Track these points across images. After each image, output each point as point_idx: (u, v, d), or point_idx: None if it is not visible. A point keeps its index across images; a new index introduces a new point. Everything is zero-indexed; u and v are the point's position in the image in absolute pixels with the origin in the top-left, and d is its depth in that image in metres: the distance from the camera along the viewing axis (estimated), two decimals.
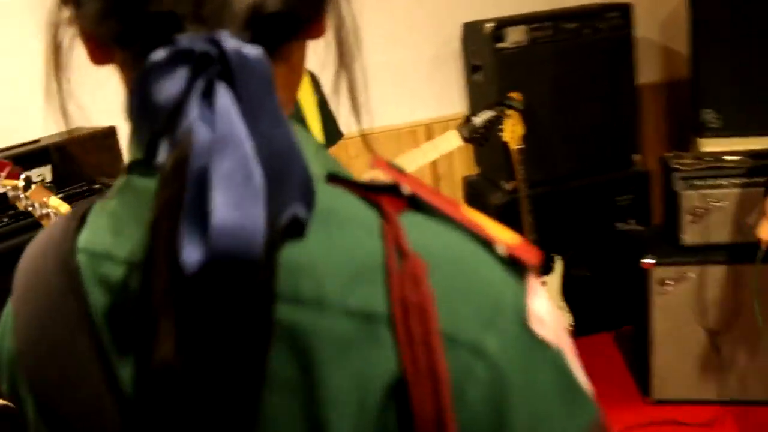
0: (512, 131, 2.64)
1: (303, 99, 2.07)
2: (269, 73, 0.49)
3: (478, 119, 2.26)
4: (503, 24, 2.85)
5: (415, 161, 2.17)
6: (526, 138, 2.65)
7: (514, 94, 2.62)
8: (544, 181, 2.96)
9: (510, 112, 2.39)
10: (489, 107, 2.32)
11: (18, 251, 1.83)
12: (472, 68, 3.13)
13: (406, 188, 0.58)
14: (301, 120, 2.07)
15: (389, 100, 3.32)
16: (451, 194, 3.45)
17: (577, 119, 2.96)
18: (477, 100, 3.22)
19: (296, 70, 0.62)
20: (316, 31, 0.61)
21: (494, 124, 2.30)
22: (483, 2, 3.23)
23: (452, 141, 2.20)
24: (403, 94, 3.33)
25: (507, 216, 2.89)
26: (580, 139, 2.99)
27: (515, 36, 2.85)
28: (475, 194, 3.24)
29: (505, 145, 2.67)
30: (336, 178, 0.60)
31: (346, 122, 3.26)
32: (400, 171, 0.61)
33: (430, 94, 3.37)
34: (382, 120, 3.33)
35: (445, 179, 3.45)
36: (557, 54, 2.90)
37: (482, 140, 2.27)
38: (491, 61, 2.87)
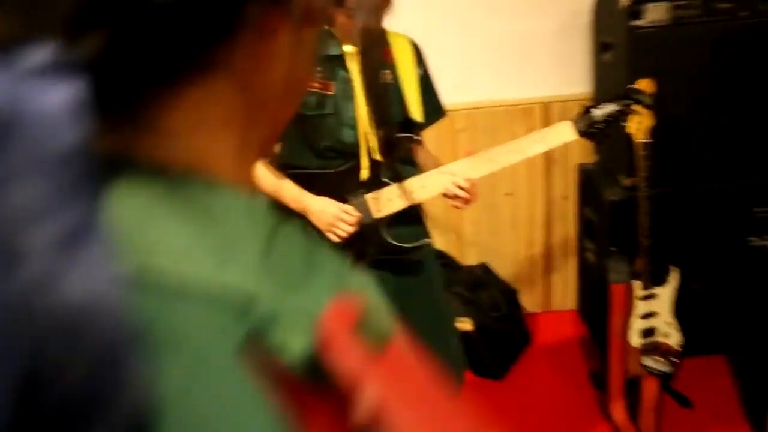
0: (639, 122, 2.33)
1: (403, 72, 1.88)
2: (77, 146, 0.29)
3: (598, 112, 1.96)
4: None
5: (519, 152, 1.92)
6: (655, 131, 2.33)
7: (646, 83, 2.29)
8: (670, 181, 2.64)
9: (637, 107, 2.09)
10: (613, 99, 2.01)
11: None
12: (601, 46, 2.81)
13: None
14: (399, 96, 1.87)
15: (506, 72, 3.08)
16: (563, 182, 3.19)
17: (718, 115, 2.59)
18: (603, 82, 2.91)
19: (257, 89, 0.42)
20: (278, 19, 0.41)
21: (616, 120, 1.99)
22: None
23: (565, 134, 1.93)
24: (521, 67, 3.07)
25: (621, 215, 2.61)
26: (719, 139, 2.62)
27: (656, 13, 2.50)
28: (590, 186, 2.95)
29: (628, 136, 2.37)
30: None
31: (453, 91, 3.07)
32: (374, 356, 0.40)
33: (551, 70, 3.08)
34: (495, 93, 3.10)
35: (557, 164, 3.16)
36: (704, 38, 2.51)
37: (601, 137, 1.98)
38: (624, 39, 2.54)
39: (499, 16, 3.00)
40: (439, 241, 3.26)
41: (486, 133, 3.10)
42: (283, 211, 1.82)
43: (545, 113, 3.08)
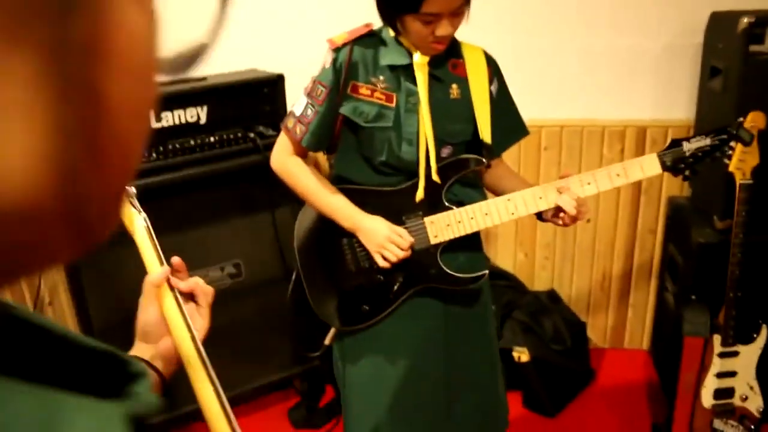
0: (742, 159, 2.10)
1: (475, 88, 1.71)
2: None
3: (690, 146, 1.74)
4: (766, 20, 2.23)
5: (596, 184, 1.72)
6: (759, 172, 2.10)
7: (757, 116, 2.05)
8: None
9: (737, 144, 1.85)
10: (708, 133, 1.78)
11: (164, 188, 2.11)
12: (710, 70, 2.53)
13: None
14: (467, 113, 1.71)
15: (602, 89, 2.87)
16: (651, 214, 2.96)
17: None
18: (708, 111, 2.64)
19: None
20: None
21: (708, 157, 1.76)
22: None
23: (649, 167, 1.72)
24: (619, 85, 2.85)
25: (710, 261, 2.38)
26: None
27: None
28: (679, 222, 2.70)
29: (728, 174, 2.13)
30: None
31: (543, 106, 2.89)
32: None
33: (652, 92, 2.84)
34: (587, 111, 2.88)
35: (646, 194, 2.92)
36: None
37: (689, 173, 1.75)
38: (738, 65, 2.27)
39: (601, 29, 2.78)
40: (507, 261, 3.14)
41: (570, 153, 2.90)
42: (332, 227, 1.72)
43: (639, 138, 2.84)
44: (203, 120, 2.47)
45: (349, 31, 1.68)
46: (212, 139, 2.49)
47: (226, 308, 2.62)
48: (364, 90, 1.65)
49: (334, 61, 1.65)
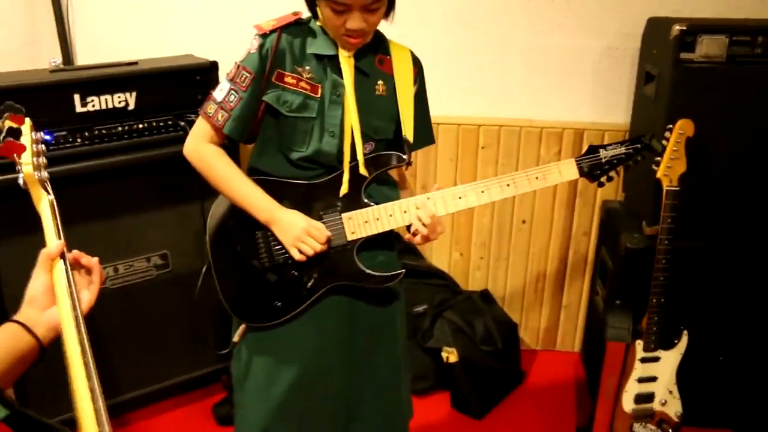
0: (669, 166, 2.13)
1: (401, 86, 1.72)
2: None
3: (606, 153, 1.77)
4: (697, 29, 2.25)
5: (517, 186, 1.72)
6: (686, 178, 2.14)
7: (685, 123, 2.09)
8: (696, 235, 2.42)
9: (648, 156, 1.91)
10: (625, 142, 1.83)
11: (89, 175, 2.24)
12: (645, 76, 2.57)
13: None
14: (392, 110, 1.71)
15: (541, 90, 2.90)
16: (586, 217, 3.00)
17: (765, 168, 2.35)
18: (641, 116, 2.68)
19: None
20: None
21: (622, 164, 1.80)
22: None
23: (567, 172, 1.74)
24: (558, 87, 2.88)
25: (637, 266, 2.42)
26: (760, 195, 2.38)
27: (710, 47, 2.25)
28: (611, 226, 2.73)
29: (657, 181, 2.17)
30: None
31: (481, 105, 2.90)
32: None
33: (591, 94, 2.88)
34: (526, 112, 2.91)
35: (582, 197, 2.95)
36: (761, 80, 2.27)
37: (605, 180, 1.80)
38: (670, 72, 2.30)
39: (542, 30, 2.81)
40: (443, 260, 3.16)
41: (507, 153, 2.93)
42: (247, 219, 1.69)
43: (576, 140, 2.88)
44: (132, 106, 2.43)
45: (277, 18, 1.67)
46: (141, 125, 2.45)
47: (152, 300, 2.59)
48: (289, 79, 1.64)
49: (261, 47, 1.63)
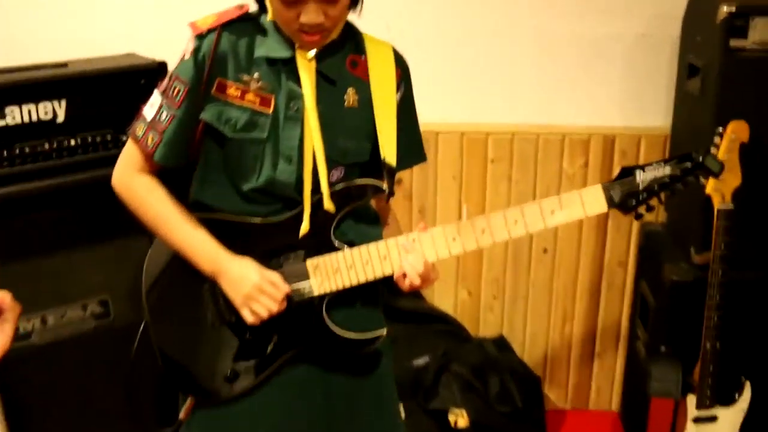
0: (722, 179, 2.11)
1: (379, 94, 1.66)
2: None
3: (644, 176, 1.67)
4: (749, 9, 2.27)
5: (527, 224, 1.64)
6: (742, 194, 2.16)
7: (738, 126, 2.08)
8: (755, 263, 2.42)
9: (701, 177, 1.79)
10: (670, 160, 1.69)
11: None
12: (688, 68, 2.58)
13: None
14: (367, 126, 1.65)
15: (561, 88, 2.92)
16: (621, 244, 3.00)
17: None
18: (684, 117, 2.70)
19: None
20: None
21: (667, 189, 1.70)
22: None
23: (593, 203, 1.65)
24: (582, 84, 2.91)
25: (684, 303, 2.41)
26: None
27: (765, 32, 2.27)
28: (652, 255, 2.75)
29: (706, 199, 2.19)
30: None
31: (489, 109, 2.88)
32: None
33: (622, 93, 2.90)
34: (543, 116, 2.93)
35: (616, 219, 2.96)
36: None
37: (642, 210, 1.69)
38: (718, 63, 2.32)
39: (560, 14, 2.82)
40: (447, 301, 3.15)
41: (523, 166, 2.94)
42: (191, 268, 1.64)
43: (606, 148, 2.89)
44: (61, 117, 2.41)
45: (218, 13, 1.61)
46: (73, 141, 2.43)
47: (89, 356, 2.55)
48: (232, 90, 1.57)
49: (196, 51, 1.56)
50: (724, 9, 2.25)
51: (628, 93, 2.88)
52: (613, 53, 2.85)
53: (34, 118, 2.35)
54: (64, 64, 2.49)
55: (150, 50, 2.63)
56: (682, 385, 2.25)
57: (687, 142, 2.55)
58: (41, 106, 2.36)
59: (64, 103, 2.40)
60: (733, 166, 2.11)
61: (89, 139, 2.44)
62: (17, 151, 2.33)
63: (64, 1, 2.89)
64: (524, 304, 3.09)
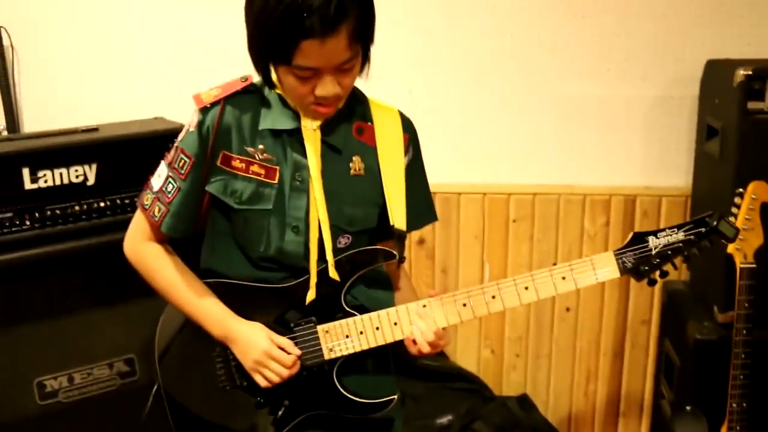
0: (742, 238, 2.12)
1: (386, 160, 1.66)
2: None
3: (657, 242, 1.66)
4: (766, 73, 2.27)
5: (538, 290, 1.63)
6: (763, 253, 2.13)
7: (757, 188, 2.07)
8: None
9: (717, 240, 1.75)
10: (684, 225, 1.67)
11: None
12: (707, 129, 2.58)
13: None
14: (375, 192, 1.66)
15: (581, 149, 2.93)
16: (644, 302, 2.98)
17: None
18: (704, 178, 2.70)
19: None
20: None
21: (680, 254, 1.68)
22: (749, 35, 2.71)
23: (605, 270, 1.63)
24: (604, 144, 2.91)
25: (709, 361, 2.37)
26: None
27: None
28: (675, 313, 2.72)
29: (728, 258, 2.17)
30: None
31: (509, 170, 2.89)
32: None
33: (643, 153, 2.90)
34: (564, 176, 2.94)
35: None
36: None
37: (656, 276, 1.67)
38: (736, 125, 2.32)
39: (577, 78, 2.85)
40: (470, 360, 3.12)
41: (544, 226, 2.94)
42: (203, 332, 1.64)
43: (627, 209, 2.89)
44: (91, 180, 2.45)
45: (221, 85, 1.62)
46: (102, 204, 2.46)
47: (115, 415, 2.55)
48: (237, 162, 1.58)
49: (200, 124, 1.57)
50: (741, 72, 2.26)
51: (648, 154, 2.88)
52: (633, 115, 2.85)
53: (66, 180, 2.40)
54: (95, 129, 2.54)
55: (177, 114, 2.66)
56: None
57: (708, 202, 2.54)
58: (72, 169, 2.42)
59: (94, 166, 2.45)
60: (755, 225, 2.10)
61: (118, 201, 2.47)
62: (48, 213, 2.37)
63: (95, 68, 2.97)
64: (547, 362, 3.06)
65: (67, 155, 2.38)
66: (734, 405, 2.17)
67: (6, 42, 2.93)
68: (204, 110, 1.57)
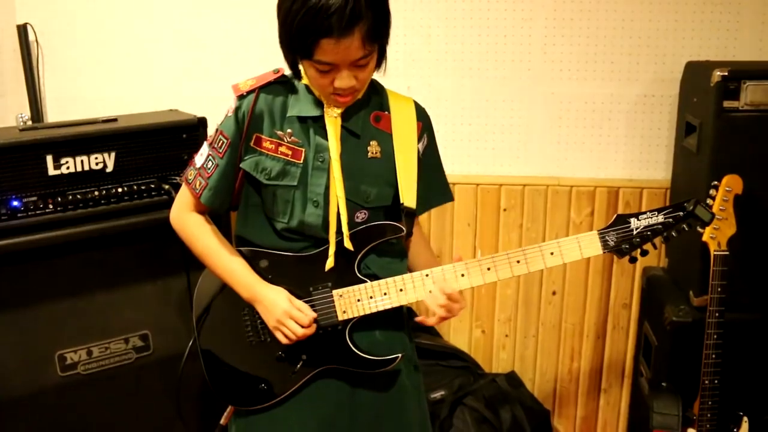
0: (716, 227, 2.19)
1: (400, 145, 1.79)
2: None
3: (638, 223, 1.76)
4: (741, 74, 2.34)
5: (528, 263, 1.73)
6: (736, 241, 2.19)
7: (732, 179, 2.14)
8: (751, 306, 2.45)
9: (694, 224, 1.85)
10: (663, 209, 1.79)
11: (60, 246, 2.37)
12: (685, 126, 2.64)
13: None
14: (389, 174, 1.78)
15: (568, 144, 2.99)
16: (626, 286, 3.05)
17: None
18: (682, 172, 2.77)
19: None
20: None
21: (659, 235, 1.78)
22: (726, 38, 2.78)
23: (589, 247, 1.74)
24: (590, 139, 2.97)
25: (684, 342, 2.45)
26: None
27: (755, 94, 2.33)
28: (653, 297, 2.78)
29: (703, 245, 2.23)
30: None
31: (502, 162, 2.96)
32: None
33: (626, 148, 2.96)
34: (552, 169, 3.00)
35: (620, 264, 3.01)
36: None
37: (637, 254, 1.77)
38: (712, 122, 2.38)
39: (565, 79, 2.91)
40: (462, 339, 3.20)
41: (533, 215, 3.00)
42: (233, 295, 1.78)
43: (610, 199, 2.95)
44: (110, 167, 2.51)
45: (257, 76, 1.77)
46: (120, 189, 2.52)
47: (131, 387, 2.60)
48: (267, 144, 1.73)
49: (237, 109, 1.73)
50: (717, 73, 2.33)
51: (631, 148, 2.94)
52: (616, 112, 2.91)
53: (86, 167, 2.45)
54: (114, 119, 2.60)
55: (191, 107, 2.75)
56: (682, 419, 2.27)
57: (686, 194, 2.59)
58: (93, 157, 2.46)
59: (113, 154, 2.50)
60: (729, 215, 2.16)
61: (135, 187, 2.53)
62: (70, 197, 2.43)
63: (114, 63, 3.03)
64: (534, 342, 3.13)
65: (88, 144, 2.44)
66: (707, 382, 2.22)
67: (32, 38, 2.99)
68: (240, 97, 1.74)
